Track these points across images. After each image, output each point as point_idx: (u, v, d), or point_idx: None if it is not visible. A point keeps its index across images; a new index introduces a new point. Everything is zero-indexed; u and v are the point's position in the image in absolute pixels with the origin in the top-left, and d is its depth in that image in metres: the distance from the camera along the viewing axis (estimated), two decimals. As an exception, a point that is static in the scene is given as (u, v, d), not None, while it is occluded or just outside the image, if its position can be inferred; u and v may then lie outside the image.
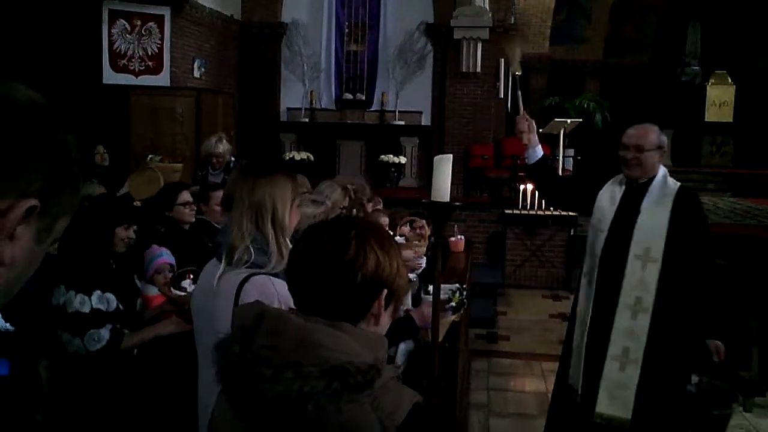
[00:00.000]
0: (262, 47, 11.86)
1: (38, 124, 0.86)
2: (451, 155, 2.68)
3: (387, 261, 1.34)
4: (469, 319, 5.98)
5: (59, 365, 2.95)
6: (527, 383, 6.00)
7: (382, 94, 11.96)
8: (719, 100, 16.44)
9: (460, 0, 11.18)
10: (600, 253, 3.49)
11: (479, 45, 11.19)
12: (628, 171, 3.50)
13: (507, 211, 9.58)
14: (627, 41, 17.11)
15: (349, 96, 12.09)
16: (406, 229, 5.95)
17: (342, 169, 11.53)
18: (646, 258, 3.37)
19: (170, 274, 3.65)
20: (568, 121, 10.18)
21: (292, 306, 1.39)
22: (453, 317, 3.59)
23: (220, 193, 3.35)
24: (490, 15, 11.13)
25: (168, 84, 9.44)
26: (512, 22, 12.14)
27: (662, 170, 3.52)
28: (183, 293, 3.43)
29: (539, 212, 9.34)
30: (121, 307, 3.13)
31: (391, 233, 5.61)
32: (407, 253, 4.66)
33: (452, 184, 2.67)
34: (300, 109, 12.01)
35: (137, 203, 5.32)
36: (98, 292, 3.05)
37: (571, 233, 9.40)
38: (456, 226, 6.86)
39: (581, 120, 10.95)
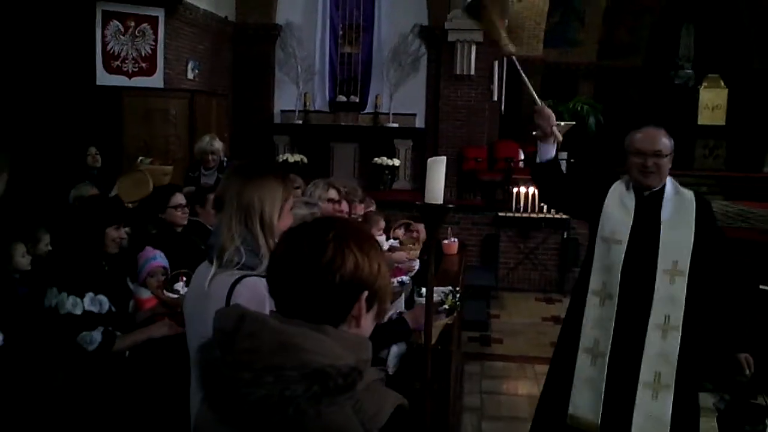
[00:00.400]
0: (256, 49, 11.84)
1: None
2: (445, 158, 2.68)
3: (366, 262, 1.33)
4: (462, 322, 5.98)
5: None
6: (520, 386, 6.01)
7: (376, 97, 11.96)
8: (712, 103, 16.50)
9: (455, 2, 11.19)
10: (621, 268, 3.19)
11: (473, 47, 11.20)
12: (645, 179, 3.25)
13: (500, 214, 9.59)
14: (620, 44, 17.17)
15: (343, 98, 12.08)
16: (400, 232, 5.96)
17: (336, 171, 11.52)
18: (673, 272, 3.14)
19: (163, 278, 3.64)
20: (562, 123, 10.11)
21: None
22: (446, 320, 3.59)
23: None
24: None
25: (161, 85, 9.41)
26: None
27: (669, 177, 3.33)
28: (176, 296, 3.42)
29: (532, 215, 9.36)
30: (113, 309, 3.12)
31: (386, 236, 5.61)
32: (400, 255, 4.67)
33: (446, 186, 2.67)
34: (294, 111, 11.99)
35: (130, 205, 5.31)
36: (90, 294, 3.04)
37: (564, 236, 9.42)
38: (449, 228, 6.86)
39: (575, 123, 10.96)
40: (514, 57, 3.93)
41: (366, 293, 1.33)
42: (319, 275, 1.30)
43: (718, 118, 16.44)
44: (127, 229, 3.45)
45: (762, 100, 16.09)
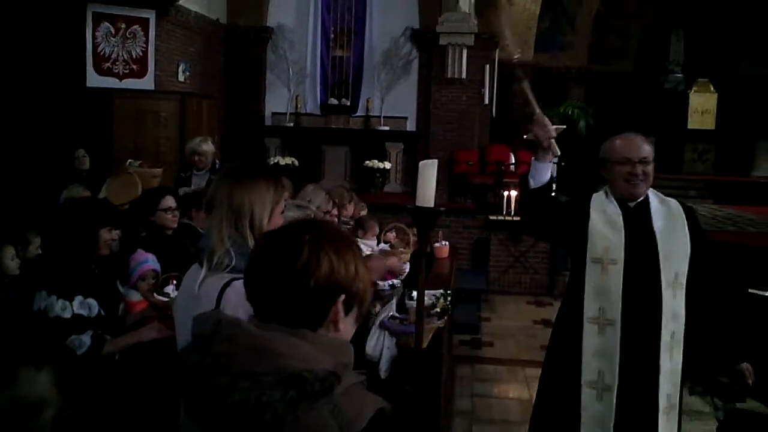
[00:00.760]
0: (248, 51, 11.84)
1: None
2: (436, 161, 2.68)
3: (342, 265, 1.32)
4: (453, 325, 5.98)
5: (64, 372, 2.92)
6: (511, 390, 6.01)
7: (368, 100, 11.97)
8: (701, 107, 16.62)
9: (446, 6, 11.22)
10: (621, 290, 2.92)
11: (464, 51, 11.23)
12: (634, 189, 3.00)
13: (491, 217, 9.61)
14: (611, 49, 17.27)
15: (334, 101, 12.09)
16: (391, 235, 5.97)
17: (327, 174, 11.51)
18: (675, 285, 2.92)
19: (153, 281, 3.62)
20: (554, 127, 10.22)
21: None
22: (437, 323, 3.59)
23: None
24: (476, 21, 11.17)
25: (152, 87, 9.38)
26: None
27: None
28: (166, 299, 3.41)
29: (523, 218, 9.37)
30: (103, 312, 3.10)
31: (377, 240, 5.62)
32: (393, 262, 4.67)
33: (437, 189, 2.67)
34: (285, 113, 11.98)
35: (126, 206, 5.29)
36: (80, 297, 3.02)
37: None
38: (440, 231, 6.86)
39: (565, 126, 10.94)
40: (516, 57, 3.54)
41: (343, 296, 1.32)
42: (294, 279, 1.28)
43: (708, 123, 16.56)
44: (117, 231, 3.44)
45: (750, 104, 16.20)
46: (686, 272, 2.94)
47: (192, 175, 6.27)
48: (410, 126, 11.99)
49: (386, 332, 3.44)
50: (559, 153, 3.06)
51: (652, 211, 3.03)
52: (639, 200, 3.04)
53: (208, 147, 6.26)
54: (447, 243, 6.42)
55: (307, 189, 4.06)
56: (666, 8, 17.08)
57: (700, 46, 16.88)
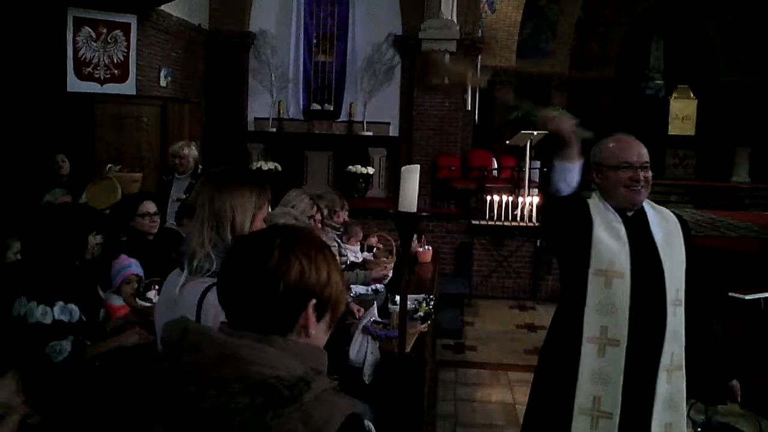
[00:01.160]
0: (230, 57, 11.82)
1: None
2: (418, 166, 2.68)
3: (313, 269, 1.31)
4: (436, 330, 5.99)
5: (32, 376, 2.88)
6: (494, 394, 6.02)
7: (350, 105, 11.98)
8: (682, 113, 16.81)
9: (428, 12, 11.26)
10: (629, 307, 2.64)
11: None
12: (635, 196, 2.74)
13: (474, 222, 9.63)
14: (592, 55, 17.41)
15: (317, 106, 12.09)
16: (373, 239, 5.97)
17: (310, 179, 11.51)
18: (675, 302, 2.67)
19: (136, 285, 3.61)
20: (535, 133, 10.29)
21: None
22: (420, 327, 3.59)
23: None
24: (458, 28, 11.22)
25: (134, 92, 9.35)
26: (479, 35, 12.26)
27: None
28: (148, 304, 3.39)
29: (506, 223, 9.41)
30: (84, 318, 3.08)
31: (360, 245, 5.62)
32: (378, 273, 4.69)
33: (420, 194, 2.67)
34: (267, 119, 11.97)
35: (105, 211, 5.27)
36: (61, 303, 2.99)
37: (538, 244, 9.48)
38: (423, 236, 6.87)
39: (547, 132, 11.04)
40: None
41: (314, 301, 1.32)
42: (264, 282, 1.28)
43: (688, 129, 16.75)
44: (100, 236, 3.41)
45: (729, 110, 16.40)
46: (684, 288, 2.71)
47: (174, 179, 6.26)
48: (393, 131, 12.02)
49: (369, 337, 3.44)
50: (577, 156, 2.78)
51: (650, 222, 2.78)
52: (638, 209, 2.79)
53: (190, 151, 6.26)
54: (430, 248, 6.43)
55: (290, 194, 4.04)
56: (646, 16, 17.26)
57: (680, 53, 17.08)
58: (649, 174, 2.77)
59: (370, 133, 11.81)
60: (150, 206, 4.41)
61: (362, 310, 3.77)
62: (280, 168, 11.29)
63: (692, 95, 16.82)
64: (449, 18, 11.15)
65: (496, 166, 11.87)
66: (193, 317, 2.04)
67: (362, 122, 11.85)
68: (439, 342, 6.93)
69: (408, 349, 3.38)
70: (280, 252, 1.30)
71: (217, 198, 2.19)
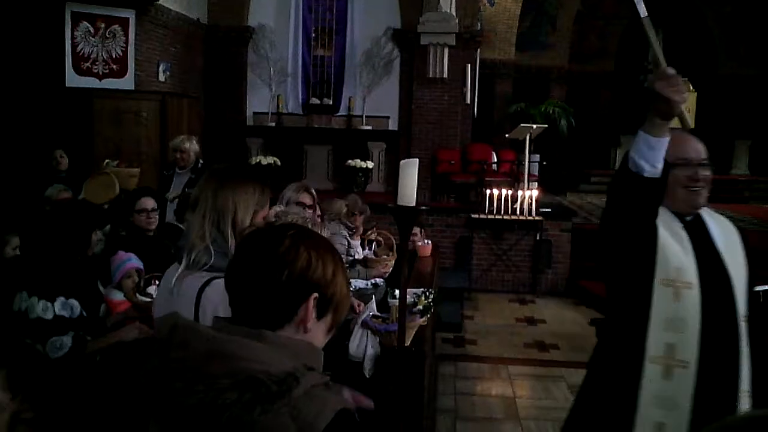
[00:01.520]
0: (229, 51, 11.80)
1: None
2: (417, 160, 2.68)
3: (320, 264, 1.33)
4: (436, 324, 5.99)
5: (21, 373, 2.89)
6: (494, 387, 6.03)
7: (350, 99, 11.97)
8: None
9: (427, 6, 11.24)
10: (700, 322, 2.31)
11: (446, 51, 11.26)
12: (696, 198, 2.41)
13: (473, 216, 9.63)
14: (591, 48, 17.38)
15: (316, 101, 12.08)
16: (372, 234, 5.96)
17: (309, 173, 11.51)
18: (745, 319, 2.37)
19: (138, 279, 3.62)
20: (534, 126, 10.28)
21: None
22: (420, 321, 3.60)
23: None
24: (457, 21, 11.21)
25: (132, 87, 9.34)
26: (478, 28, 12.25)
27: None
28: (148, 299, 3.39)
29: (505, 217, 9.40)
30: (84, 313, 3.08)
31: (359, 239, 5.62)
32: (378, 271, 4.70)
33: (419, 188, 2.67)
34: (267, 113, 11.97)
35: (104, 207, 5.27)
36: (62, 298, 3.00)
37: (537, 237, 9.49)
38: (423, 230, 6.87)
39: (547, 125, 11.05)
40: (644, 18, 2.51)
41: (316, 295, 1.33)
42: (272, 265, 1.30)
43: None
44: (101, 232, 3.43)
45: (729, 103, 16.38)
46: (746, 301, 2.39)
47: (174, 174, 6.25)
48: (392, 125, 12.01)
49: (369, 331, 3.44)
50: (691, 125, 2.35)
51: (710, 228, 2.45)
52: (696, 213, 2.46)
53: (191, 145, 6.23)
54: (429, 242, 6.43)
55: (289, 189, 4.04)
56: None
57: (679, 46, 17.05)
58: (709, 173, 2.45)
59: (370, 127, 11.80)
60: (147, 203, 4.41)
61: (362, 304, 3.77)
62: (279, 162, 11.29)
63: (691, 88, 16.78)
64: (448, 11, 11.13)
65: (495, 160, 11.86)
66: (191, 311, 2.04)
67: (361, 116, 11.84)
68: (439, 336, 6.94)
69: (408, 343, 3.38)
70: (291, 241, 1.32)
71: (221, 193, 2.20)
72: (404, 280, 2.75)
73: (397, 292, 3.49)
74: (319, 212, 4.19)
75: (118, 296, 3.58)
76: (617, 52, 17.49)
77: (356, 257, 5.21)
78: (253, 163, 11.12)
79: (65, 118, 8.25)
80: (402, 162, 2.64)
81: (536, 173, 11.49)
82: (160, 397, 1.23)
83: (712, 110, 16.32)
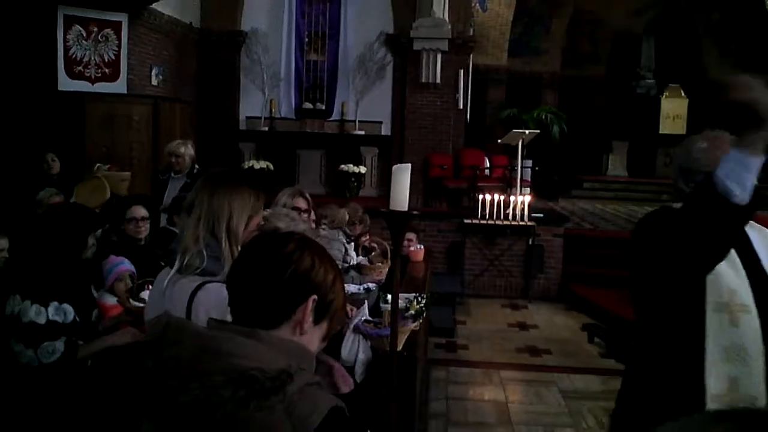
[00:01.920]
0: (221, 55, 11.79)
1: None
2: (410, 165, 2.69)
3: (322, 269, 1.37)
4: (429, 329, 5.99)
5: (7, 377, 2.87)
6: (486, 392, 6.03)
7: (342, 104, 11.98)
8: (673, 112, 16.87)
9: (420, 11, 11.26)
10: (763, 352, 2.05)
11: (438, 56, 11.28)
12: None
13: (466, 221, 9.64)
14: (584, 54, 17.45)
15: (309, 105, 12.08)
16: (365, 240, 5.95)
17: (302, 178, 11.50)
18: None
19: (131, 283, 3.61)
20: (526, 132, 10.30)
21: None
22: (412, 326, 3.59)
23: None
24: (450, 26, 11.23)
25: (125, 91, 9.32)
26: (471, 34, 12.28)
27: None
28: (141, 305, 3.38)
29: (497, 222, 9.42)
30: (77, 318, 3.07)
31: (354, 244, 5.61)
32: (373, 278, 4.72)
33: (411, 193, 2.67)
34: (259, 117, 11.96)
35: (96, 210, 5.26)
36: (55, 303, 2.98)
37: (529, 243, 9.50)
38: (415, 235, 6.87)
39: (539, 131, 11.09)
40: None
41: (315, 297, 1.35)
42: (276, 262, 1.34)
43: (679, 127, 16.80)
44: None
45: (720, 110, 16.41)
46: None
47: (170, 178, 6.24)
48: (385, 130, 12.02)
49: (360, 336, 3.44)
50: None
51: (754, 244, 2.19)
52: None
53: (187, 150, 6.22)
54: (422, 247, 6.43)
55: (283, 194, 4.04)
56: (636, 15, 17.31)
57: (670, 52, 17.14)
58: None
59: (362, 132, 11.81)
60: (138, 211, 4.40)
61: (354, 309, 3.77)
62: (272, 167, 11.28)
63: (683, 94, 16.88)
64: (441, 17, 11.16)
65: (488, 165, 11.88)
66: (182, 315, 2.04)
67: (354, 121, 11.85)
68: (431, 341, 6.94)
69: (400, 347, 3.38)
70: (296, 244, 1.38)
71: (217, 197, 2.21)
72: (397, 284, 2.75)
73: (389, 296, 3.49)
74: (314, 217, 4.19)
75: (110, 300, 3.57)
76: (609, 58, 17.56)
77: (351, 263, 5.21)
78: (246, 167, 11.11)
79: (57, 121, 8.22)
80: (394, 167, 2.65)
81: (528, 179, 11.51)
82: (154, 396, 1.24)
83: (704, 116, 16.38)
